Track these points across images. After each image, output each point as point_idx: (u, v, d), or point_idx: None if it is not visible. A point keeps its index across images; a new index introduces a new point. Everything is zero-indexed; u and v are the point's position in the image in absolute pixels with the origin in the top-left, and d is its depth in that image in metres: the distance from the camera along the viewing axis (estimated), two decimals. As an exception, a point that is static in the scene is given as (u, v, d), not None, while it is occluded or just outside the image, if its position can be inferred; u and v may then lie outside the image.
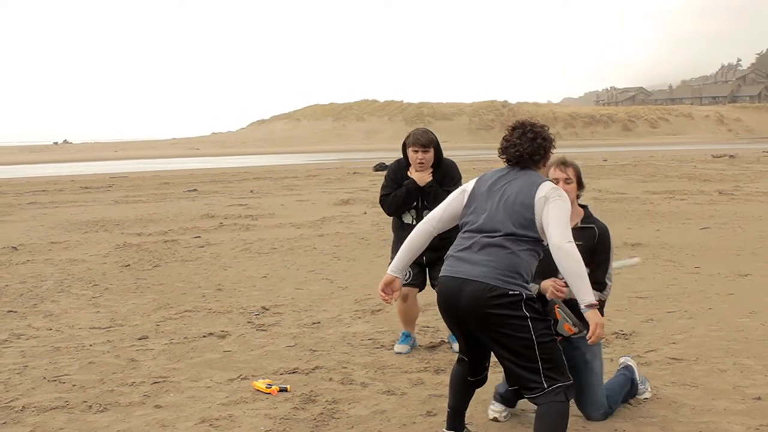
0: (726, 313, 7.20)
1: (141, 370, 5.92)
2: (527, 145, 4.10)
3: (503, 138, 4.21)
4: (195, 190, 24.99)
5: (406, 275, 6.01)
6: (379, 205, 6.39)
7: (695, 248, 10.98)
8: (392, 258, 6.06)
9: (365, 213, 16.70)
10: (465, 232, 4.09)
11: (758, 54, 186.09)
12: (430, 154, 6.10)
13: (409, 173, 6.17)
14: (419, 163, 6.09)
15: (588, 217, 4.77)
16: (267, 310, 7.85)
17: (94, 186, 28.11)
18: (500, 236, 3.91)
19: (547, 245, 3.89)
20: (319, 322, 7.30)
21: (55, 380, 5.71)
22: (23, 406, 5.16)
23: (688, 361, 5.79)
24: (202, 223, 15.69)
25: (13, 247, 12.55)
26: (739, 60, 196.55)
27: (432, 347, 6.28)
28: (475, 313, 3.86)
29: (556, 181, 4.58)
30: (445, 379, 5.55)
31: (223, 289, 9.00)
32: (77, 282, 9.58)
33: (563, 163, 4.74)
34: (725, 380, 5.35)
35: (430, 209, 5.94)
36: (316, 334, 6.87)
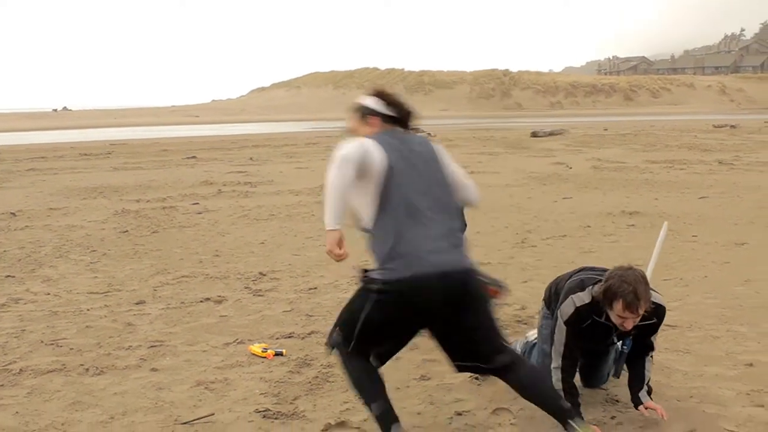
0: (721, 281, 7.23)
1: (138, 334, 5.96)
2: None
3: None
4: (194, 157, 24.96)
5: None
6: None
7: (693, 217, 11.00)
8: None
9: (364, 181, 16.67)
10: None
11: (762, 24, 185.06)
12: None
13: None
14: None
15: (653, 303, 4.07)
16: (264, 275, 7.88)
17: (94, 153, 28.06)
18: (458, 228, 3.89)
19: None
20: (315, 288, 7.33)
21: (52, 344, 5.75)
22: (21, 369, 5.21)
23: (681, 328, 5.83)
24: (200, 189, 15.70)
25: (11, 213, 12.57)
26: (742, 30, 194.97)
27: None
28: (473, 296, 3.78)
29: (621, 320, 3.91)
30: (440, 344, 5.59)
31: (221, 254, 9.02)
32: (75, 247, 9.61)
33: (636, 304, 3.85)
34: (718, 347, 5.39)
35: None
36: (313, 300, 6.90)
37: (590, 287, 4.13)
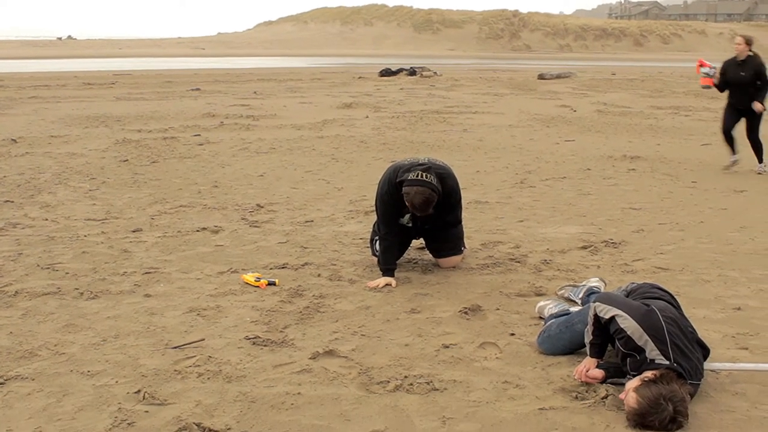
0: (717, 227, 7.23)
1: (133, 261, 6.00)
2: None
3: None
4: (198, 89, 24.83)
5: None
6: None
7: (694, 163, 10.97)
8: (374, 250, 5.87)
9: (367, 117, 16.62)
10: None
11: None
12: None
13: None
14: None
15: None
16: (261, 207, 7.90)
17: (97, 82, 27.92)
18: None
19: None
20: (312, 221, 7.35)
21: (48, 268, 5.80)
22: (16, 291, 5.26)
23: (673, 271, 5.85)
24: (202, 121, 15.64)
25: (12, 140, 12.56)
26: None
27: (422, 248, 6.32)
28: None
29: None
30: (432, 278, 5.64)
31: (220, 186, 9.03)
32: (75, 175, 9.62)
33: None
34: (708, 290, 5.41)
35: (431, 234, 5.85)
36: (309, 232, 6.93)
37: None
